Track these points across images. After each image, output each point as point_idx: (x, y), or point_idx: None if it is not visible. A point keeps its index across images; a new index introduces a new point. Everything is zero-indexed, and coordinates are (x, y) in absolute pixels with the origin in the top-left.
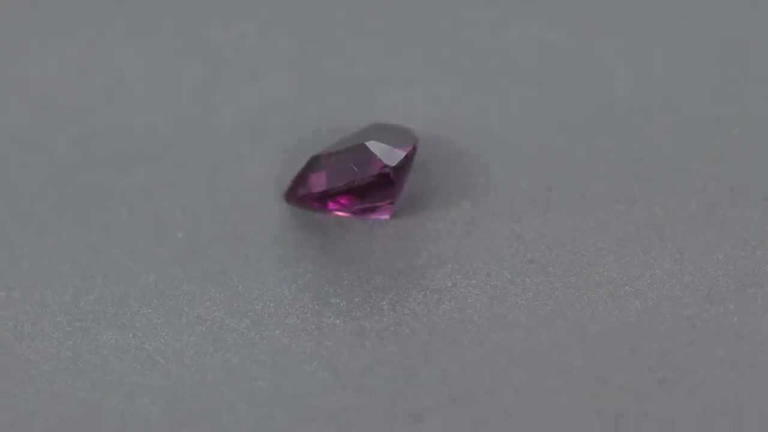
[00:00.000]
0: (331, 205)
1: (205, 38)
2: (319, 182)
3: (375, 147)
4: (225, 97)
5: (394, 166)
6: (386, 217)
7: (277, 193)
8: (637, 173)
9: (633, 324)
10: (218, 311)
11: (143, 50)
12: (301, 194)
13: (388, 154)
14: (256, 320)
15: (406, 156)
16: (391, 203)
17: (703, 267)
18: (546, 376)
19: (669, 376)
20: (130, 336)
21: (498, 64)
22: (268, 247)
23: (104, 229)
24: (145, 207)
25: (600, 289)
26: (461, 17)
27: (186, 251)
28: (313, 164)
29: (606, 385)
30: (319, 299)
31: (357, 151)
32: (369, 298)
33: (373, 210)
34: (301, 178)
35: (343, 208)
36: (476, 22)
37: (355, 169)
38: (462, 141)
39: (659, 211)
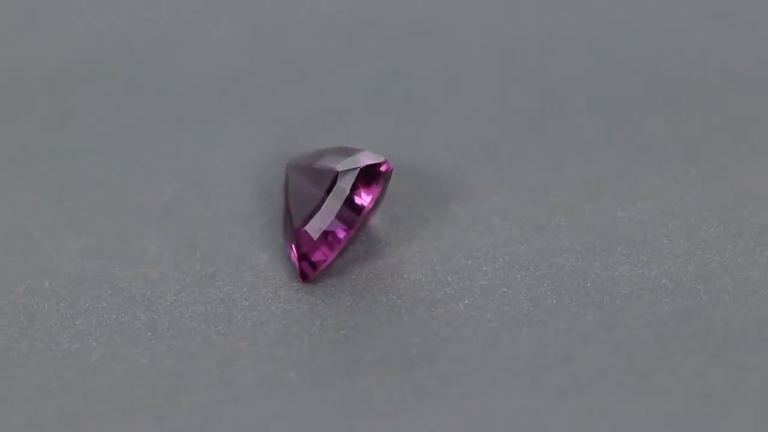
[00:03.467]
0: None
1: None
2: (337, 237)
3: (345, 164)
4: None
5: (386, 159)
6: (373, 220)
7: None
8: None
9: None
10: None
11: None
12: (325, 261)
13: (364, 157)
14: None
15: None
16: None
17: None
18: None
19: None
20: None
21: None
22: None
23: None
24: None
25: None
26: None
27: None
28: (309, 233)
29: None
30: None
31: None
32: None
33: (367, 221)
34: (321, 249)
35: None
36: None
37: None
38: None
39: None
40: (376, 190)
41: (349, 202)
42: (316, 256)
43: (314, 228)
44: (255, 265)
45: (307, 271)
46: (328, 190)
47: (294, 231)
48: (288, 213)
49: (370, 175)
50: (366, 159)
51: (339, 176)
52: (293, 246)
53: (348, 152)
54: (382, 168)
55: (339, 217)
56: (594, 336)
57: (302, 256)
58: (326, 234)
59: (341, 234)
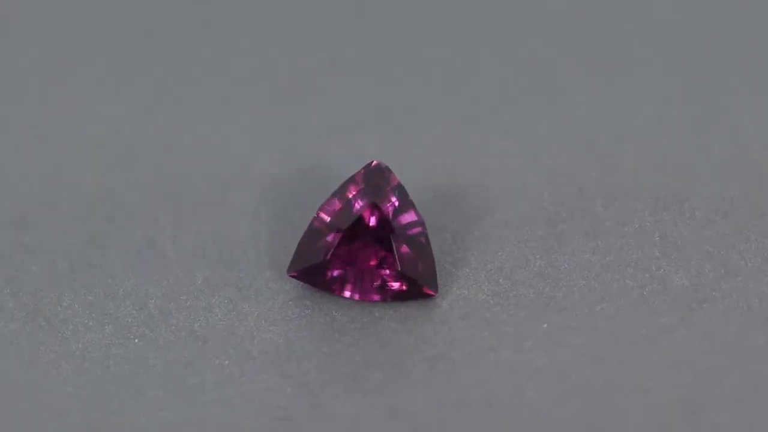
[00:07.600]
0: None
1: None
2: (423, 241)
3: (360, 194)
4: None
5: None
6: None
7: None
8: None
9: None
10: None
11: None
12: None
13: (356, 175)
14: None
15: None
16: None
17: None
18: None
19: None
20: None
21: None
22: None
23: None
24: None
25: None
26: None
27: None
28: (412, 262)
29: None
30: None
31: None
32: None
33: None
34: (421, 260)
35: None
36: None
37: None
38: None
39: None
40: (396, 182)
41: (400, 209)
42: (428, 268)
43: (409, 256)
44: (394, 343)
45: (431, 285)
46: (379, 225)
47: (400, 267)
48: (359, 286)
49: (382, 178)
50: (363, 175)
51: (373, 205)
52: (404, 285)
53: (341, 191)
54: (382, 166)
55: (406, 223)
56: None
57: (418, 280)
58: (415, 247)
59: (422, 237)
